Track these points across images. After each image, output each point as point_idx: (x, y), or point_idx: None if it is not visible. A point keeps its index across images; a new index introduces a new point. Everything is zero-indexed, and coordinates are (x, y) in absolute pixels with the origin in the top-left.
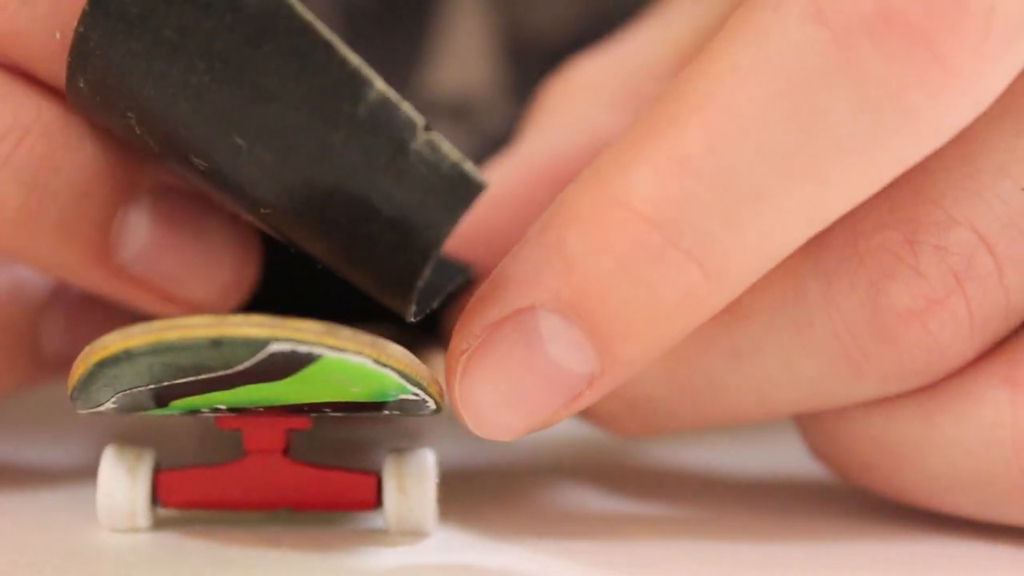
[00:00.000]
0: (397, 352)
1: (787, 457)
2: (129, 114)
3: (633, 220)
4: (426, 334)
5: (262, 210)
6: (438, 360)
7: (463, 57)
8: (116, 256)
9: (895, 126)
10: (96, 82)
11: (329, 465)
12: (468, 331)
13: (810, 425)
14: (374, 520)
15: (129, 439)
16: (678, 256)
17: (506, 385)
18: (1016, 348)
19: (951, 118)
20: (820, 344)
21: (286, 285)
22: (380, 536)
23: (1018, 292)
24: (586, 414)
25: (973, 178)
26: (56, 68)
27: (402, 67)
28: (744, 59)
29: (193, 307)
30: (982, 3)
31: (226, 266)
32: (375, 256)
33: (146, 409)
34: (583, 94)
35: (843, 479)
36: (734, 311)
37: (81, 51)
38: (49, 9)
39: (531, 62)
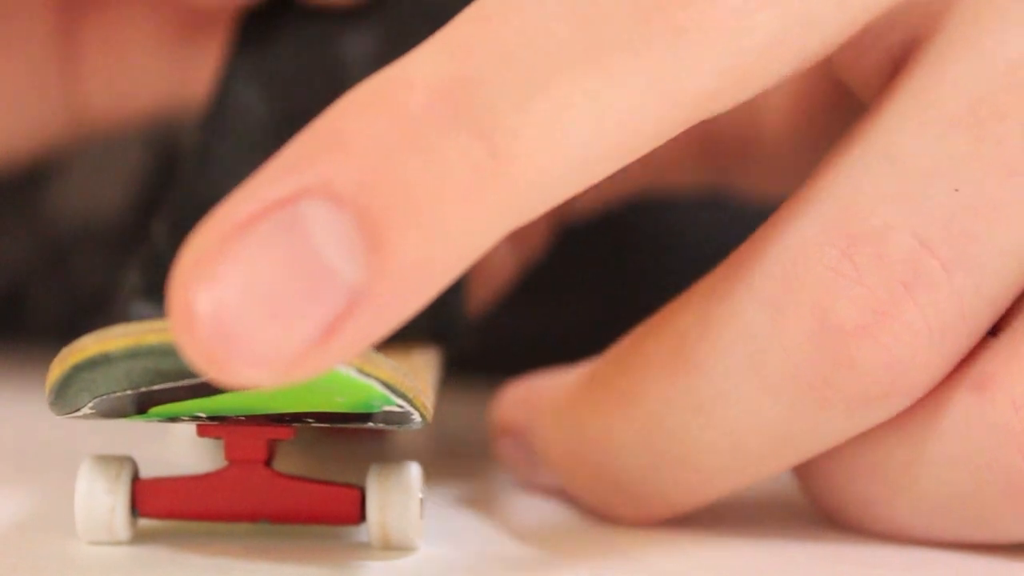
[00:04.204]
0: (382, 362)
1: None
2: None
3: (418, 95)
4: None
5: None
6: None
7: None
8: None
9: (665, 38)
10: None
11: (313, 478)
12: (208, 232)
13: (807, 475)
14: (359, 535)
15: (110, 448)
16: (465, 130)
17: (256, 276)
18: (979, 356)
19: (718, 46)
20: (779, 379)
21: None
22: (364, 551)
23: (973, 297)
24: (583, 503)
25: (903, 184)
26: None
27: None
28: None
29: None
30: None
31: None
32: None
33: (125, 415)
34: None
35: (844, 524)
36: (689, 364)
37: None
38: None
39: None
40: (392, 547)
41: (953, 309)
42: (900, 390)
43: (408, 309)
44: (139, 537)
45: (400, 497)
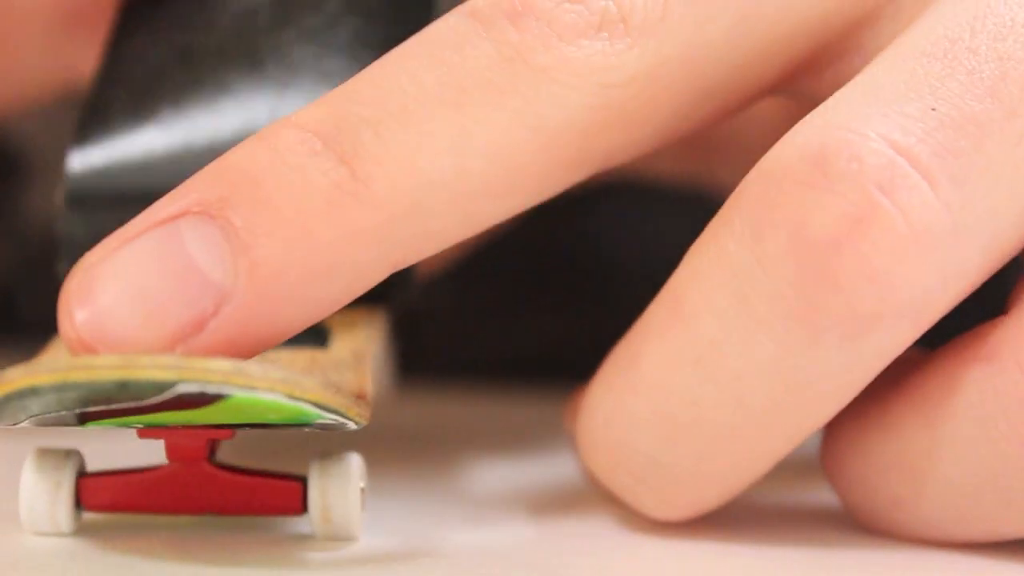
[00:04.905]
0: (310, 385)
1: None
2: None
3: (297, 130)
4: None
5: None
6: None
7: None
8: None
9: (527, 80)
10: None
11: (255, 470)
12: (93, 252)
13: (839, 479)
14: (302, 525)
15: (63, 438)
16: (329, 156)
17: (134, 281)
18: (984, 328)
19: (582, 84)
20: (767, 312)
21: None
22: (307, 542)
23: (964, 213)
24: (613, 497)
25: (878, 103)
26: None
27: None
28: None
29: None
30: None
31: None
32: None
33: (65, 425)
34: None
35: (878, 530)
36: (682, 316)
37: None
38: None
39: None
40: (334, 537)
41: (941, 217)
42: (892, 308)
43: (277, 310)
44: (84, 528)
45: (340, 488)
